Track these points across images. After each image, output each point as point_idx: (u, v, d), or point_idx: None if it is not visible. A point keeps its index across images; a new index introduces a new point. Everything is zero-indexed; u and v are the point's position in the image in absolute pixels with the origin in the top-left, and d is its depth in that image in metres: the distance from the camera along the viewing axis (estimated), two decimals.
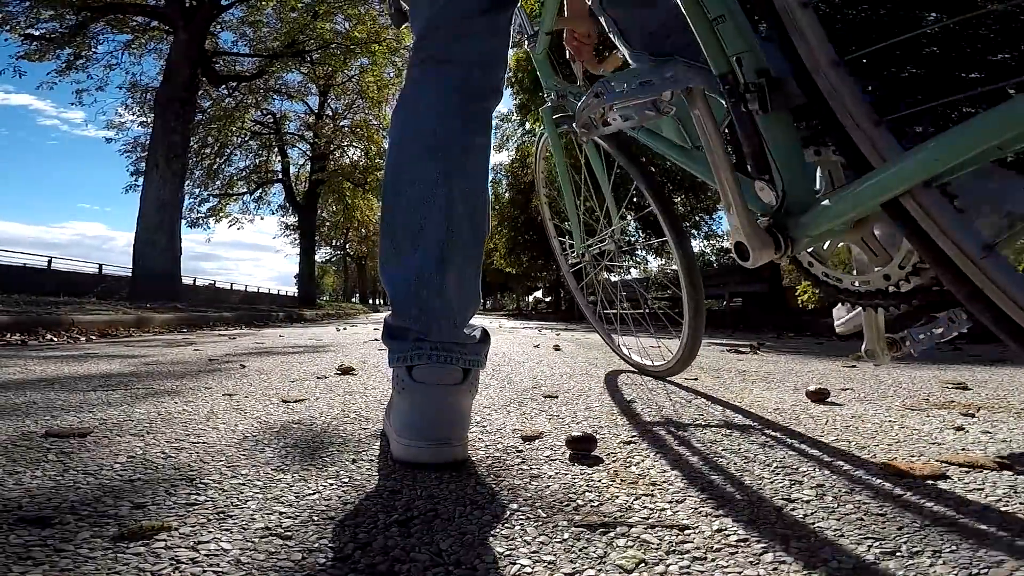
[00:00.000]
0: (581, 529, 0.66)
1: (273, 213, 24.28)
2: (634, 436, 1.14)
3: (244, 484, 0.81)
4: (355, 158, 22.15)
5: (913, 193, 0.70)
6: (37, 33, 12.79)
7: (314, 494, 0.77)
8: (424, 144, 0.98)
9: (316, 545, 0.61)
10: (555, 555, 0.60)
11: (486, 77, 1.03)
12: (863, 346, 1.15)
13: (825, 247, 1.00)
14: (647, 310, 2.07)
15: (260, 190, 22.62)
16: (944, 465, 0.90)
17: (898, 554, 0.59)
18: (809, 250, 0.99)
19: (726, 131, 0.96)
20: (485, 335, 1.05)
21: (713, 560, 0.58)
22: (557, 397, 1.61)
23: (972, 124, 0.64)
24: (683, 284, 1.62)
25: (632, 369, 2.10)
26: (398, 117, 1.04)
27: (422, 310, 0.98)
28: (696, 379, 2.02)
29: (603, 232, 1.97)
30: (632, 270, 2.11)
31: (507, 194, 22.51)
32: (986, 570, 0.55)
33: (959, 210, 0.68)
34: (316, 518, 0.69)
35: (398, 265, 1.00)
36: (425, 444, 0.90)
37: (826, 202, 0.80)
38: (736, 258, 0.91)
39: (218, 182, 20.75)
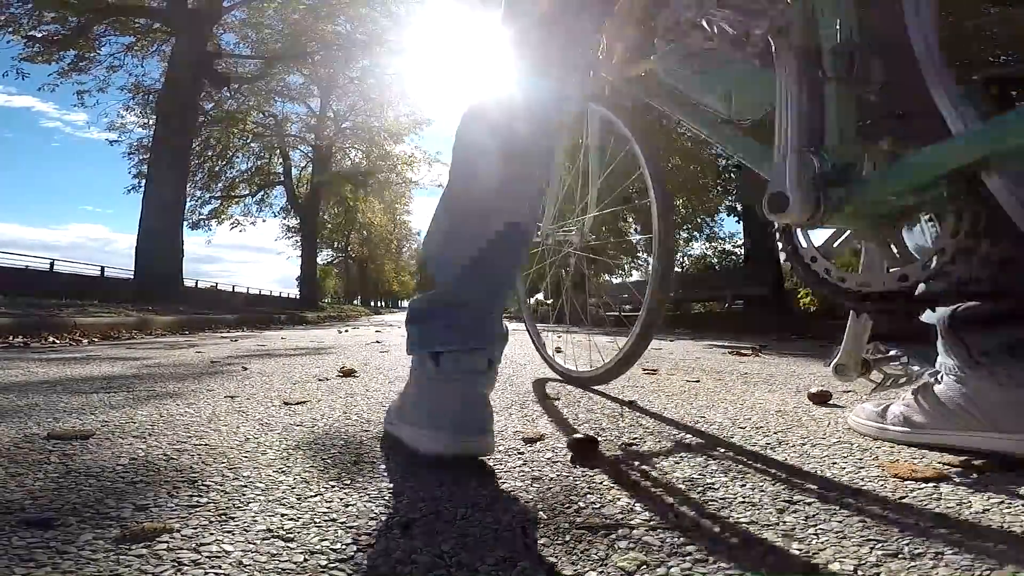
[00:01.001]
0: (583, 531, 0.66)
1: (275, 215, 24.30)
2: (635, 438, 1.14)
3: (246, 486, 0.81)
4: (356, 160, 22.17)
5: (993, 165, 0.69)
6: (40, 35, 12.83)
7: (316, 496, 0.78)
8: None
9: (318, 547, 0.61)
10: (557, 557, 0.60)
11: None
12: (835, 359, 1.14)
13: (837, 244, 0.97)
14: (590, 309, 2.02)
15: (262, 192, 22.66)
16: (946, 467, 0.90)
17: (900, 556, 0.59)
18: (817, 244, 0.96)
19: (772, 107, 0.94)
20: (505, 333, 1.05)
21: (715, 562, 0.58)
22: (559, 399, 1.61)
23: None
24: (649, 284, 1.53)
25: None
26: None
27: (467, 295, 0.97)
28: (698, 381, 2.02)
29: (574, 219, 1.90)
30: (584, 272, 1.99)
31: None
32: (988, 572, 0.55)
33: None
34: (318, 520, 0.69)
35: (453, 246, 1.01)
36: (461, 435, 0.87)
37: (878, 174, 0.81)
38: (765, 210, 0.89)
39: (220, 184, 20.79)
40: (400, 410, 1.05)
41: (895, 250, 0.89)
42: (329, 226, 30.44)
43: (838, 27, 0.82)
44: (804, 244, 0.95)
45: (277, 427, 1.21)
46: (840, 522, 0.69)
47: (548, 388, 1.82)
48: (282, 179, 22.24)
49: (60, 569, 0.54)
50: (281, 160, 21.79)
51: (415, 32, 14.95)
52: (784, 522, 0.69)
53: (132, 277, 11.06)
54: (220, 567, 0.56)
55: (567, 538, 0.65)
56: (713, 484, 0.84)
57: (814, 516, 0.71)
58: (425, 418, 0.91)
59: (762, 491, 0.80)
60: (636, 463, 0.96)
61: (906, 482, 0.84)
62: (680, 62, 1.07)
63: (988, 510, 0.72)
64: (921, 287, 0.84)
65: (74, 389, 1.68)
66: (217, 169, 20.04)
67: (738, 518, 0.70)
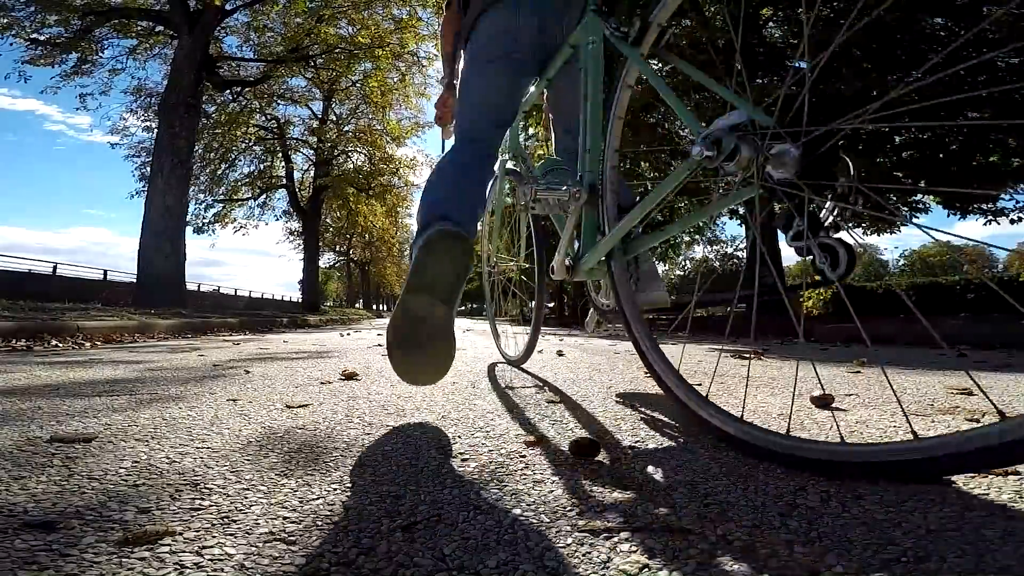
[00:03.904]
0: (584, 534, 0.66)
1: (277, 219, 24.30)
2: (637, 441, 1.14)
3: (248, 489, 0.81)
4: (359, 163, 22.19)
5: (614, 255, 1.43)
6: (43, 38, 12.88)
7: (318, 499, 0.78)
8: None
9: (320, 550, 0.61)
10: (558, 561, 0.60)
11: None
12: (589, 323, 2.02)
13: (593, 281, 1.93)
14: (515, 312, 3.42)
15: (264, 195, 22.68)
16: None
17: (904, 559, 0.59)
18: (591, 281, 1.89)
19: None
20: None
21: (718, 566, 0.58)
22: (560, 402, 1.61)
23: (631, 214, 1.32)
24: (534, 307, 2.46)
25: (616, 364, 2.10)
26: None
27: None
28: (700, 384, 2.02)
29: (509, 258, 2.88)
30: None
31: (509, 197, 22.52)
32: (992, 575, 0.55)
33: (636, 278, 1.53)
34: (320, 523, 0.69)
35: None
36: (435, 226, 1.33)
37: (585, 257, 1.53)
38: (552, 273, 1.73)
39: (223, 187, 20.81)
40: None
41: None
42: (331, 229, 30.48)
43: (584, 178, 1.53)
44: (594, 291, 1.97)
45: (279, 430, 1.21)
46: (843, 525, 0.68)
47: (548, 389, 1.82)
48: (284, 182, 22.26)
49: (62, 572, 0.55)
50: (284, 163, 21.81)
51: (417, 34, 14.98)
52: (787, 526, 0.69)
53: (135, 281, 11.06)
54: (222, 570, 0.56)
55: (569, 541, 0.65)
56: (716, 488, 0.84)
57: (817, 520, 0.71)
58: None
59: (765, 494, 0.80)
60: (638, 466, 0.95)
61: (909, 485, 0.83)
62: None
63: (992, 513, 0.72)
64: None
65: (77, 392, 1.68)
66: (220, 172, 20.08)
67: (740, 521, 0.70)
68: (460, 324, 14.77)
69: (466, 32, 1.75)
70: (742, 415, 1.06)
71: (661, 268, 17.68)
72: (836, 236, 0.87)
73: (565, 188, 1.49)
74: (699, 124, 1.08)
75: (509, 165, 2.31)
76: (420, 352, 1.24)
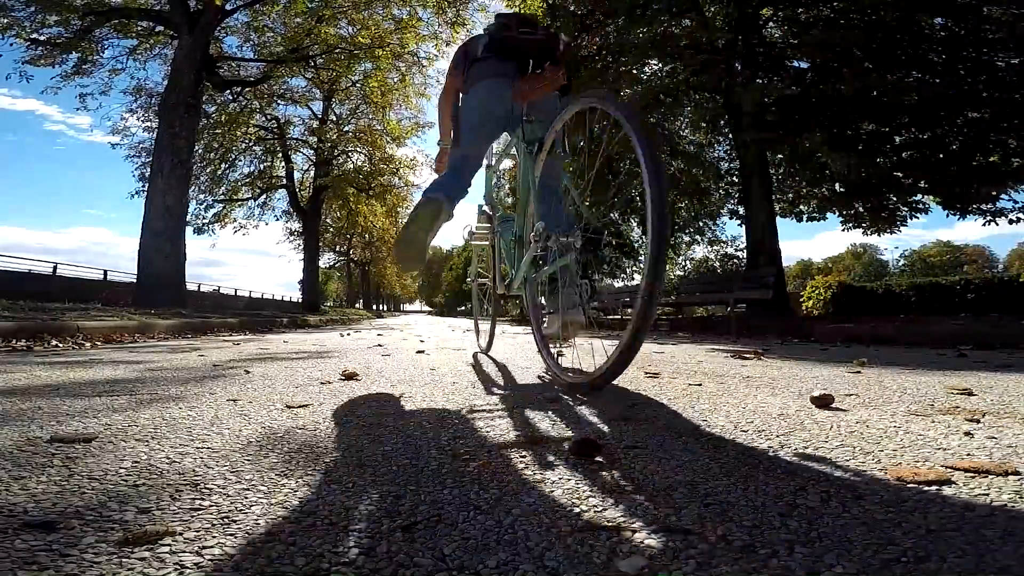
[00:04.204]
0: (584, 534, 0.66)
1: (277, 219, 24.23)
2: (637, 441, 1.14)
3: (248, 489, 0.81)
4: (359, 163, 22.17)
5: (527, 282, 2.44)
6: (43, 38, 12.87)
7: (318, 499, 0.78)
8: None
9: (320, 550, 0.61)
10: (558, 560, 0.60)
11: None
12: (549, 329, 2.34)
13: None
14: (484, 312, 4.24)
15: (264, 196, 22.65)
16: (949, 471, 0.90)
17: (903, 560, 0.59)
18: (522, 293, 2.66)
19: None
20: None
21: (717, 566, 0.58)
22: (560, 402, 1.61)
23: (526, 258, 2.24)
24: (492, 309, 3.62)
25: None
26: None
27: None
28: (700, 385, 2.02)
29: (485, 274, 3.88)
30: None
31: (508, 199, 22.52)
32: (992, 574, 0.55)
33: (540, 307, 2.45)
34: (320, 523, 0.69)
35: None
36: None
37: (512, 280, 2.51)
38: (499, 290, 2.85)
39: (223, 187, 20.78)
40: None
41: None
42: (331, 229, 30.45)
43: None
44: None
45: (279, 430, 1.21)
46: (843, 525, 0.68)
47: (548, 392, 1.82)
48: (284, 182, 22.23)
49: (63, 572, 0.55)
50: (284, 163, 21.78)
51: (417, 35, 14.97)
52: (787, 526, 0.69)
53: (135, 281, 11.05)
54: (222, 570, 0.56)
55: (569, 541, 0.65)
56: (716, 488, 0.84)
57: (817, 520, 0.71)
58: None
59: (765, 495, 0.80)
60: (638, 466, 0.95)
61: (909, 485, 0.83)
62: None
63: (992, 513, 0.72)
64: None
65: (77, 392, 1.68)
66: (220, 172, 20.05)
67: (741, 522, 0.70)
68: (460, 324, 14.76)
69: (464, 92, 2.46)
70: (565, 369, 2.07)
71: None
72: (586, 279, 1.97)
73: (486, 233, 2.85)
74: (544, 220, 2.03)
75: (485, 208, 3.26)
76: (407, 250, 2.13)
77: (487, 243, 3.47)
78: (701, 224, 16.78)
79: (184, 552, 0.60)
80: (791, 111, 9.10)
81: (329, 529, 0.67)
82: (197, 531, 0.65)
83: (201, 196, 20.04)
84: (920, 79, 8.60)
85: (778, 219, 11.19)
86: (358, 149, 21.53)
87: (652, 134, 2.60)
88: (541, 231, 1.96)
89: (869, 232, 11.17)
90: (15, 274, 16.80)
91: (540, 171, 2.20)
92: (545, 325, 2.28)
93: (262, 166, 21.85)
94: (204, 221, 20.70)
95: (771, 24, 10.65)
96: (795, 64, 10.19)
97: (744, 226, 11.74)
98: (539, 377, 2.31)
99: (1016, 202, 9.34)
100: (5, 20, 12.03)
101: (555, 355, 2.22)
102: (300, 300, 26.63)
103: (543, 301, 2.37)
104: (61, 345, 3.66)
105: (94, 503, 0.74)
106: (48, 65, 13.36)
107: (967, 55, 8.40)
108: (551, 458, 1.01)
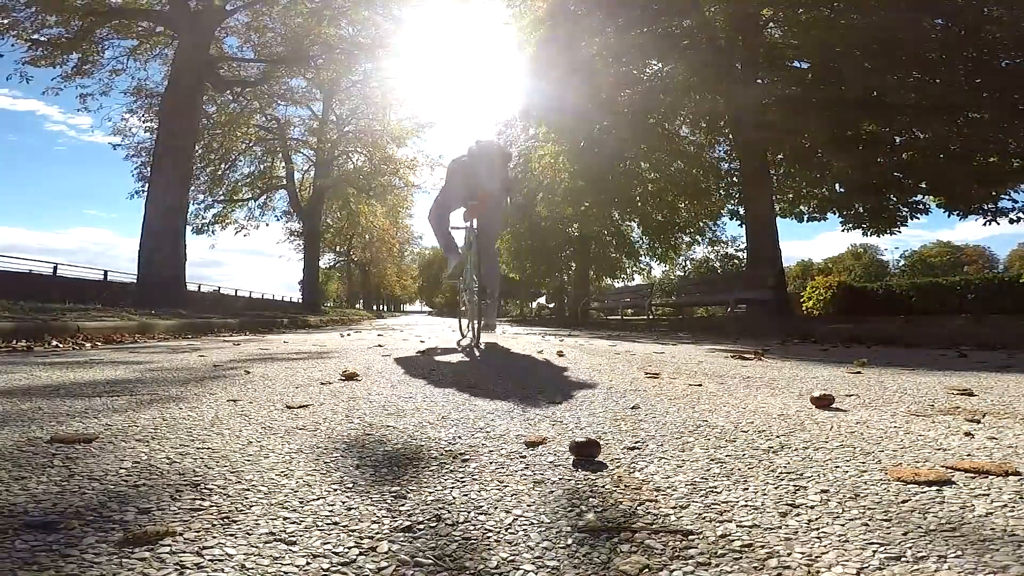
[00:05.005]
0: (585, 535, 0.66)
1: (278, 219, 24.26)
2: (637, 441, 1.14)
3: (248, 489, 0.81)
4: (359, 164, 22.18)
5: (466, 269, 4.78)
6: (43, 38, 12.87)
7: (318, 499, 0.78)
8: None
9: (320, 550, 0.61)
10: (559, 560, 0.60)
11: None
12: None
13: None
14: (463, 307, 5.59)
15: (265, 196, 22.66)
16: (950, 471, 0.90)
17: (903, 559, 0.59)
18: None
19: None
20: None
21: (717, 566, 0.58)
22: (560, 403, 1.61)
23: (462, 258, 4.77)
24: (472, 313, 4.83)
25: (629, 371, 2.11)
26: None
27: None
28: (700, 385, 2.02)
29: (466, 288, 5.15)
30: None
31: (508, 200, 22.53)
32: (991, 575, 0.55)
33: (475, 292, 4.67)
34: (320, 523, 0.69)
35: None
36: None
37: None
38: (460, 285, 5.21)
39: (223, 188, 20.79)
40: None
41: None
42: (331, 230, 30.48)
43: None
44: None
45: (279, 430, 1.21)
46: (843, 525, 0.68)
47: (548, 393, 1.82)
48: (284, 183, 22.23)
49: (63, 572, 0.55)
50: (284, 164, 21.78)
51: (417, 35, 14.98)
52: (787, 525, 0.69)
53: (135, 281, 11.06)
54: (223, 570, 0.56)
55: (569, 541, 0.65)
56: (716, 488, 0.84)
57: (817, 519, 0.71)
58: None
59: (765, 495, 0.80)
60: (638, 466, 0.96)
61: (908, 485, 0.83)
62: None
63: (992, 513, 0.72)
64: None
65: (77, 393, 1.68)
66: (220, 173, 20.05)
67: (740, 522, 0.70)
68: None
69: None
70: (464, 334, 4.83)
71: (662, 268, 22.16)
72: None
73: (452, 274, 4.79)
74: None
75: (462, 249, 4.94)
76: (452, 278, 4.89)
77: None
78: (701, 224, 16.74)
79: (184, 552, 0.60)
80: (791, 111, 9.10)
81: (329, 529, 0.67)
82: (197, 531, 0.65)
83: (201, 196, 20.04)
84: (920, 79, 8.60)
85: (778, 219, 11.19)
86: (358, 150, 21.53)
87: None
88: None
89: (869, 232, 11.16)
90: (15, 274, 16.79)
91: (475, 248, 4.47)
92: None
93: (262, 166, 21.87)
94: (204, 221, 20.71)
95: (771, 24, 10.64)
96: (795, 64, 10.19)
97: (744, 226, 11.74)
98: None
99: (1017, 202, 9.34)
100: (6, 20, 12.02)
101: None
102: (300, 300, 26.62)
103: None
104: (61, 345, 3.67)
105: (94, 503, 0.74)
106: (49, 66, 13.35)
107: (967, 55, 8.40)
108: (552, 458, 1.01)
